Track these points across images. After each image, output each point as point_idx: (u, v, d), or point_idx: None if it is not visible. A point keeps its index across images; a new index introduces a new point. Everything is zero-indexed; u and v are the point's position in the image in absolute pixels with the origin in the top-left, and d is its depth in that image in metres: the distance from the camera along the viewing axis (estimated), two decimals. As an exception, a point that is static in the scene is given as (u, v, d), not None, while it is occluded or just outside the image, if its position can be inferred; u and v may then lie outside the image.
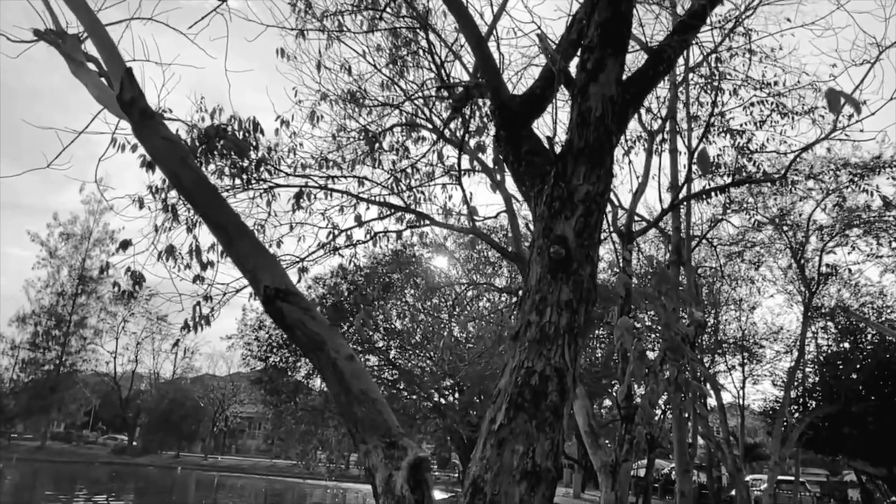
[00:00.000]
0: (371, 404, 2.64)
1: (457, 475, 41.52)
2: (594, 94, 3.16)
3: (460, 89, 6.38)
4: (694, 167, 10.24)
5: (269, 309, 2.70)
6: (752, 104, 9.24)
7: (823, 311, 19.59)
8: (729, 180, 9.20)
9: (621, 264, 7.52)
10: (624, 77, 3.92)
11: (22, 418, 60.09)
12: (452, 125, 9.19)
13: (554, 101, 3.74)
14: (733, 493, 22.48)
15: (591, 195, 3.09)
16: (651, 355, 7.86)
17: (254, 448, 72.34)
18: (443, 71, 7.93)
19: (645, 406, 7.05)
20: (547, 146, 3.64)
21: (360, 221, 8.94)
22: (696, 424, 19.11)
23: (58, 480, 41.13)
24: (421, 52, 8.77)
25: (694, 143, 9.35)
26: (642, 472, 38.32)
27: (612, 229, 8.61)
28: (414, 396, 26.66)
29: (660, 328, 7.30)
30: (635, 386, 7.04)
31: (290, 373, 28.16)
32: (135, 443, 64.42)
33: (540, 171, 3.43)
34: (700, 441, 24.75)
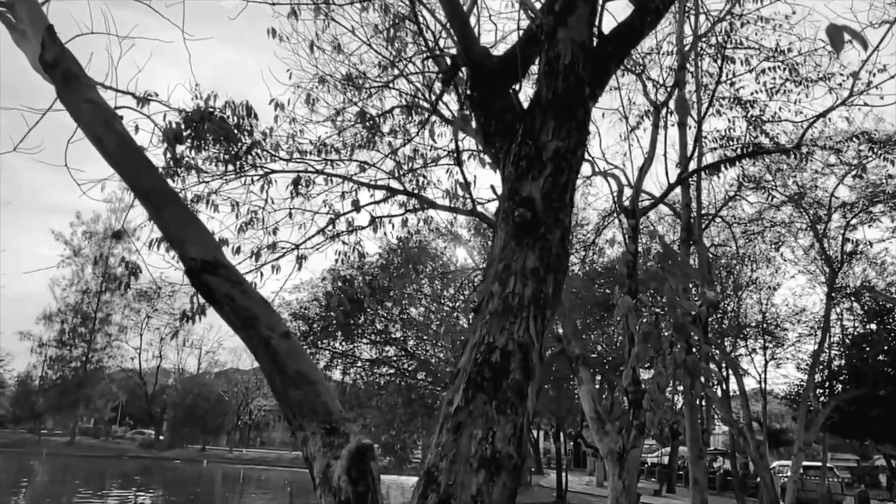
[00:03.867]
0: (309, 387, 2.37)
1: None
2: (563, 39, 2.85)
3: (448, 61, 6.06)
4: (706, 141, 9.83)
5: (195, 283, 2.44)
6: (764, 71, 8.79)
7: (848, 291, 18.98)
8: (741, 154, 8.76)
9: (625, 241, 7.19)
10: (609, 30, 3.61)
11: (51, 414, 61.13)
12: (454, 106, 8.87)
13: (517, 43, 3.42)
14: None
15: (562, 152, 2.78)
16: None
17: (278, 440, 72.86)
18: (437, 47, 7.61)
19: (653, 391, 6.72)
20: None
21: (357, 206, 8.67)
22: (709, 409, 18.62)
23: (87, 475, 41.67)
24: (420, 30, 8.46)
25: (704, 115, 8.95)
26: (667, 460, 37.89)
27: (618, 208, 8.26)
28: (431, 386, 26.48)
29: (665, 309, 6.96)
30: (640, 369, 6.70)
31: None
32: (161, 437, 65.23)
33: (510, 129, 3.13)
34: (724, 427, 24.25)
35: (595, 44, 3.40)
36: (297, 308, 27.41)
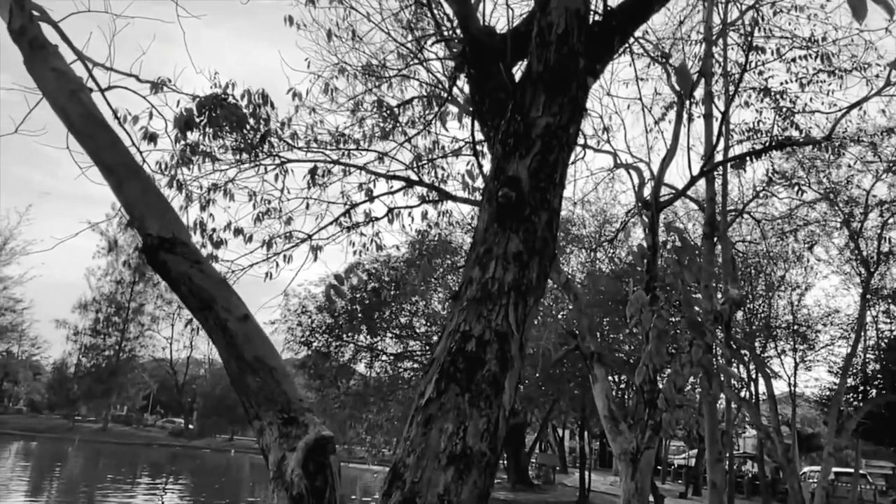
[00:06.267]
0: (267, 373, 2.22)
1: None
2: (556, 7, 2.65)
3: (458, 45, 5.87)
4: (733, 134, 9.50)
5: (152, 261, 2.31)
6: (795, 60, 8.41)
7: (884, 293, 18.33)
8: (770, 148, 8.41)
9: (645, 234, 6.94)
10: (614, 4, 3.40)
11: (85, 401, 62.39)
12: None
13: (520, 22, 3.22)
14: (788, 484, 21.40)
15: (552, 129, 2.58)
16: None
17: (305, 432, 73.35)
18: (452, 31, 7.43)
19: (668, 390, 6.47)
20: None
21: (370, 195, 8.53)
22: (729, 410, 18.14)
23: (119, 461, 42.44)
24: (433, 15, 8.29)
25: (731, 106, 8.61)
26: (693, 462, 37.25)
27: (639, 201, 8.00)
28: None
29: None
30: (654, 368, 6.44)
31: (333, 357, 28.16)
32: (191, 426, 66.15)
33: (503, 106, 2.95)
34: (751, 431, 23.70)
35: (600, 17, 3.20)
36: (323, 301, 27.51)
